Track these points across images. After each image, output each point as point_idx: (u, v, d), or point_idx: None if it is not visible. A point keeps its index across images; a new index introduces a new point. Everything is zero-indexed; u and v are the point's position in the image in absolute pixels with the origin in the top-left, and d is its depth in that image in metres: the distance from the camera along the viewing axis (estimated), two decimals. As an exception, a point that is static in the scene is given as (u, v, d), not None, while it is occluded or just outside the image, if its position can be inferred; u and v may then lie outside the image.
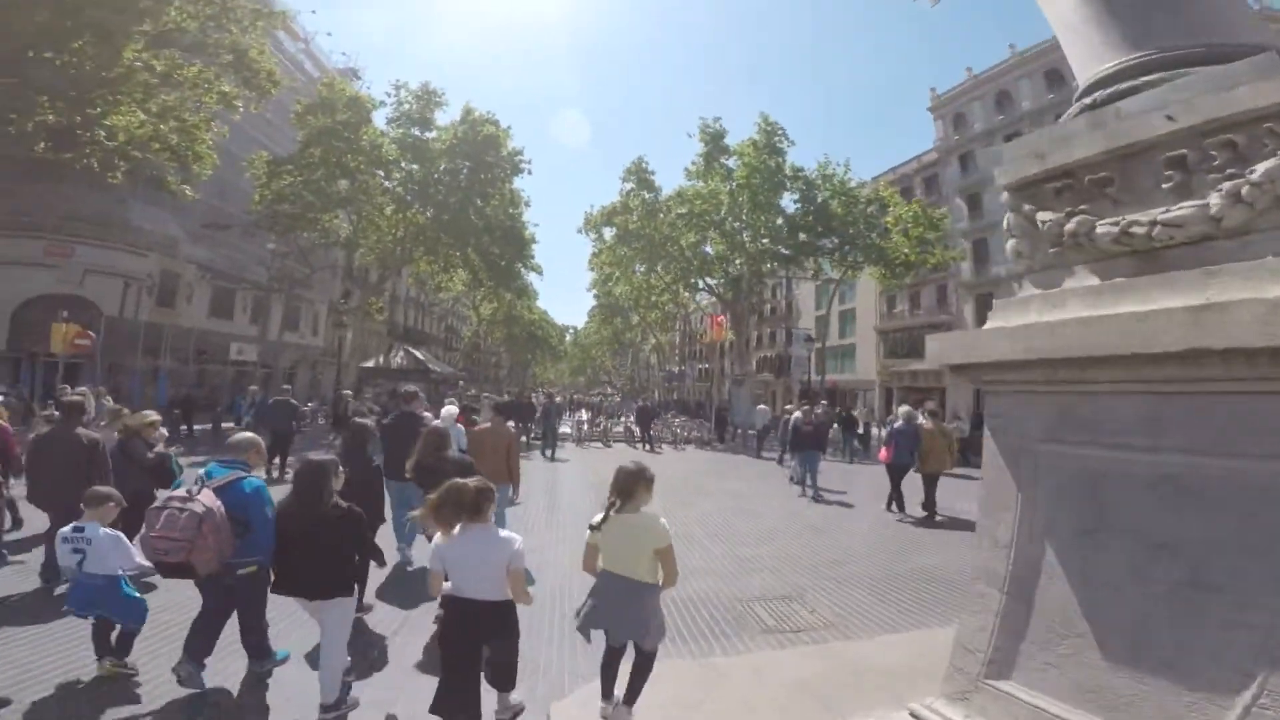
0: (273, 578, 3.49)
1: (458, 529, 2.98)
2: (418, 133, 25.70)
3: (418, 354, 28.29)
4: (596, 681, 3.36)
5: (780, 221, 25.57)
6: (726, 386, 27.35)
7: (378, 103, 25.19)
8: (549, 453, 16.86)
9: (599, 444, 21.24)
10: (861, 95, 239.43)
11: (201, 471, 3.65)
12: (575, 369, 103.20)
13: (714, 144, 25.92)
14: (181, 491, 3.40)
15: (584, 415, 30.08)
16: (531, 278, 46.82)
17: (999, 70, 37.66)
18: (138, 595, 3.75)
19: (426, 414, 7.06)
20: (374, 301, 29.79)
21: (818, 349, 32.31)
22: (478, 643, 3.01)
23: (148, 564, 3.51)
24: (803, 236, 24.86)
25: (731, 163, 25.94)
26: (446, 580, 3.02)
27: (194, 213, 26.50)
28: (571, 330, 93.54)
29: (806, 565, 6.93)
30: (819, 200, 24.41)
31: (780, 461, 16.11)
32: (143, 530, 3.37)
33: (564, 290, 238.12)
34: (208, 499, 3.35)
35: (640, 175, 27.49)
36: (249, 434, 4.09)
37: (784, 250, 25.41)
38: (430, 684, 3.16)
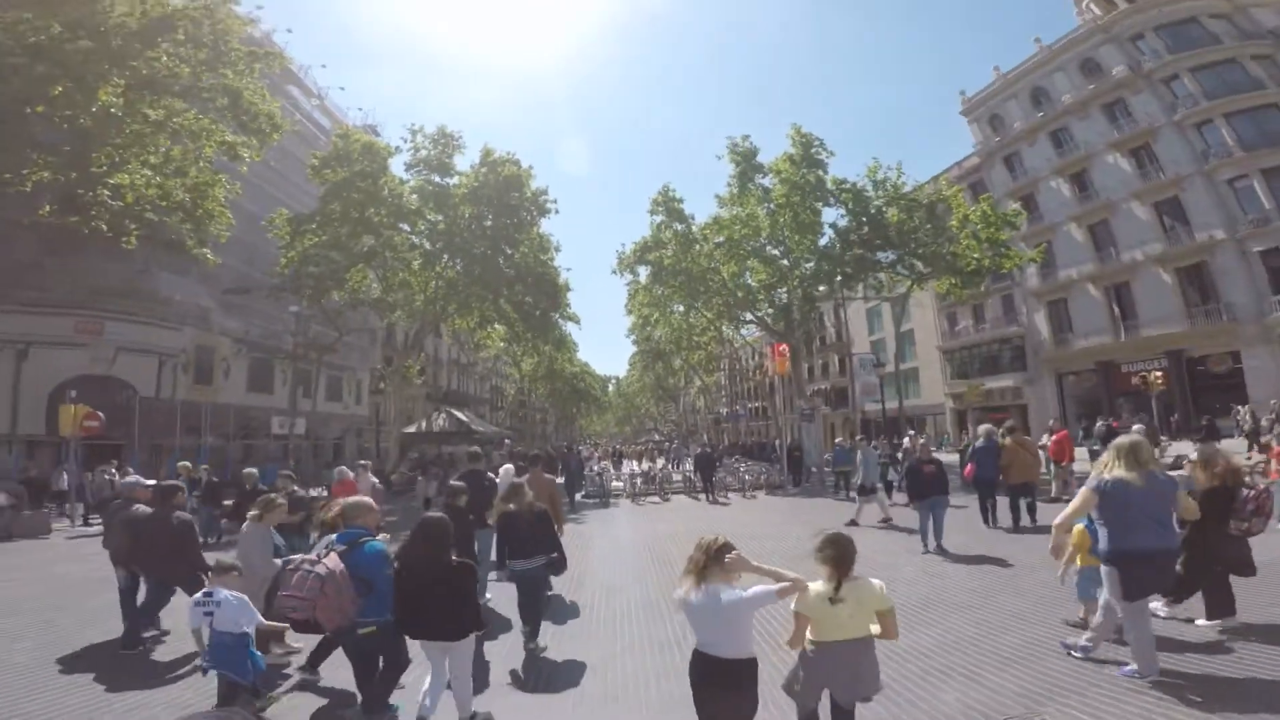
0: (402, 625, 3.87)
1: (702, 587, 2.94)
2: (438, 179, 24.95)
3: (460, 415, 26.90)
4: None
5: (831, 238, 23.57)
6: (793, 423, 24.88)
7: (394, 149, 24.56)
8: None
9: (655, 498, 19.07)
10: (879, 109, 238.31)
11: (331, 537, 4.13)
12: (620, 419, 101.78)
13: (746, 163, 24.30)
14: (313, 555, 3.86)
15: (636, 467, 27.90)
16: (570, 328, 45.99)
17: (1029, 66, 35.76)
18: (259, 654, 4.14)
19: (489, 472, 8.21)
20: (411, 365, 28.80)
21: (881, 374, 29.89)
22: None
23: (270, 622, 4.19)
24: (858, 251, 22.65)
25: (768, 182, 24.28)
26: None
27: (222, 280, 26.15)
28: (614, 380, 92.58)
29: (995, 654, 4.81)
30: (872, 210, 22.28)
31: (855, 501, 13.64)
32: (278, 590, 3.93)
33: (602, 340, 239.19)
34: (332, 562, 3.69)
35: (669, 205, 25.99)
36: (364, 498, 4.58)
37: (837, 269, 23.18)
38: (521, 699, 4.43)
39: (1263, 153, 26.18)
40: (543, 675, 4.96)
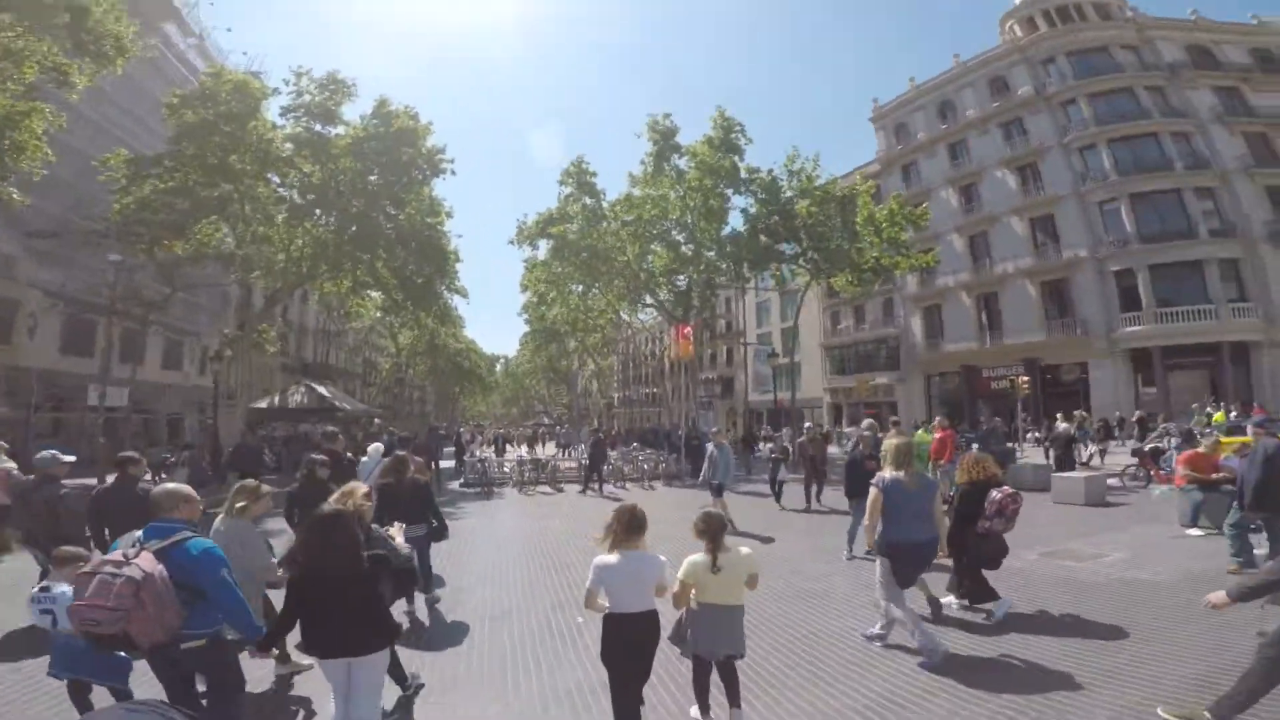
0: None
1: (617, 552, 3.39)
2: (319, 128, 21.64)
3: (322, 390, 23.80)
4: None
5: (740, 227, 23.00)
6: (687, 410, 24.21)
7: (271, 90, 20.95)
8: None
9: (546, 487, 17.63)
10: (799, 111, 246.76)
11: (136, 534, 3.28)
12: (508, 400, 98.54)
13: (665, 142, 23.14)
14: (117, 555, 3.03)
15: (523, 452, 25.97)
16: (457, 303, 42.84)
17: (942, 79, 37.32)
18: (122, 653, 3.39)
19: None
20: (265, 330, 25.03)
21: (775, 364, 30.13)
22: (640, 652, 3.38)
23: None
24: (765, 240, 22.22)
25: (683, 164, 23.26)
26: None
27: (40, 227, 21.51)
28: (502, 360, 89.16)
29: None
30: (783, 200, 21.83)
31: (777, 498, 13.14)
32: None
33: (493, 317, 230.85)
34: (147, 563, 2.96)
35: (581, 178, 24.38)
36: (174, 485, 3.56)
37: (743, 256, 22.64)
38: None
39: (1134, 178, 28.55)
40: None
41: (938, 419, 13.28)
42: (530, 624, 5.81)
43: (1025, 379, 25.49)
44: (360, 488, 4.08)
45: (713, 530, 3.56)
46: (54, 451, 6.27)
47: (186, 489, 3.52)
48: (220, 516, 4.29)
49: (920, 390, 37.48)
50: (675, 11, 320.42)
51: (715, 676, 3.72)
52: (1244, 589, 3.45)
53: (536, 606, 6.37)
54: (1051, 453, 16.64)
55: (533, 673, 4.72)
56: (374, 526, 4.14)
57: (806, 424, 13.19)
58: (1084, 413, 26.64)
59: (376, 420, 27.87)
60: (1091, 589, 6.48)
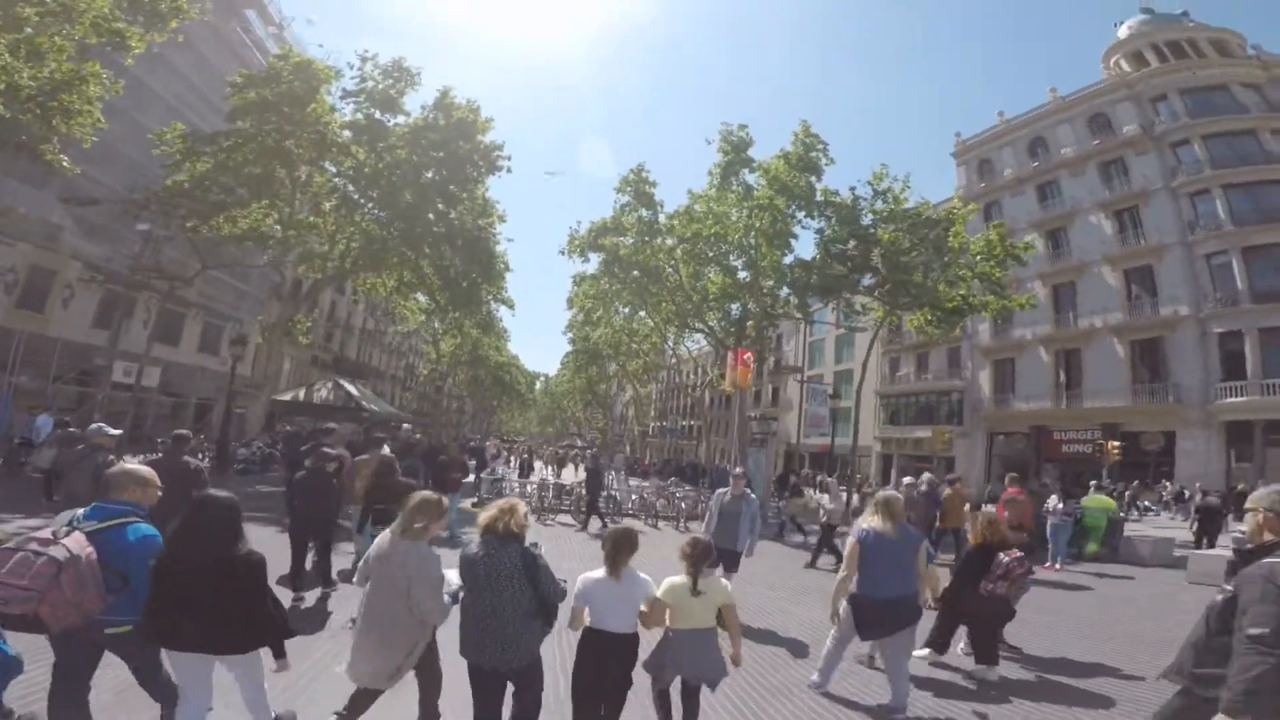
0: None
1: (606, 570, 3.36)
2: (379, 115, 20.98)
3: (350, 388, 22.73)
4: None
5: (809, 252, 21.02)
6: (721, 446, 22.13)
7: (335, 72, 20.38)
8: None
9: (568, 517, 15.49)
10: (871, 140, 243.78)
11: (76, 512, 3.16)
12: (544, 418, 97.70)
13: (736, 154, 21.45)
14: (45, 533, 2.94)
15: (549, 474, 24.33)
16: (503, 316, 41.92)
17: (1035, 115, 34.91)
18: (6, 648, 2.93)
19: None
20: (301, 320, 24.22)
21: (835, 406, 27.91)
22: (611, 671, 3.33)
23: None
24: (839, 268, 20.09)
25: (753, 179, 21.58)
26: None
27: (99, 205, 21.35)
28: (543, 378, 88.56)
29: None
30: (862, 225, 19.73)
31: (813, 563, 11.21)
32: None
33: (538, 336, 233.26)
34: (75, 544, 2.88)
35: (639, 187, 22.94)
36: (132, 466, 3.59)
37: (808, 283, 20.56)
38: None
39: (1252, 229, 25.49)
40: None
41: (1008, 477, 11.69)
42: None
43: (1115, 444, 22.68)
44: (520, 506, 3.51)
45: (698, 555, 3.57)
46: (102, 424, 6.95)
47: (143, 471, 3.43)
48: (390, 537, 3.43)
49: (982, 448, 34.52)
50: (749, 26, 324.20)
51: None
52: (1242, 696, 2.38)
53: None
54: (1194, 525, 14.61)
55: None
56: (530, 548, 3.39)
57: (907, 480, 10.94)
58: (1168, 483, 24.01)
59: (405, 425, 26.70)
60: None
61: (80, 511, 3.16)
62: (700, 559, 3.54)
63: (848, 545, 4.75)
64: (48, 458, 9.35)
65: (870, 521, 4.70)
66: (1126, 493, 22.55)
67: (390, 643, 3.18)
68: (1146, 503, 24.32)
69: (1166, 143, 28.97)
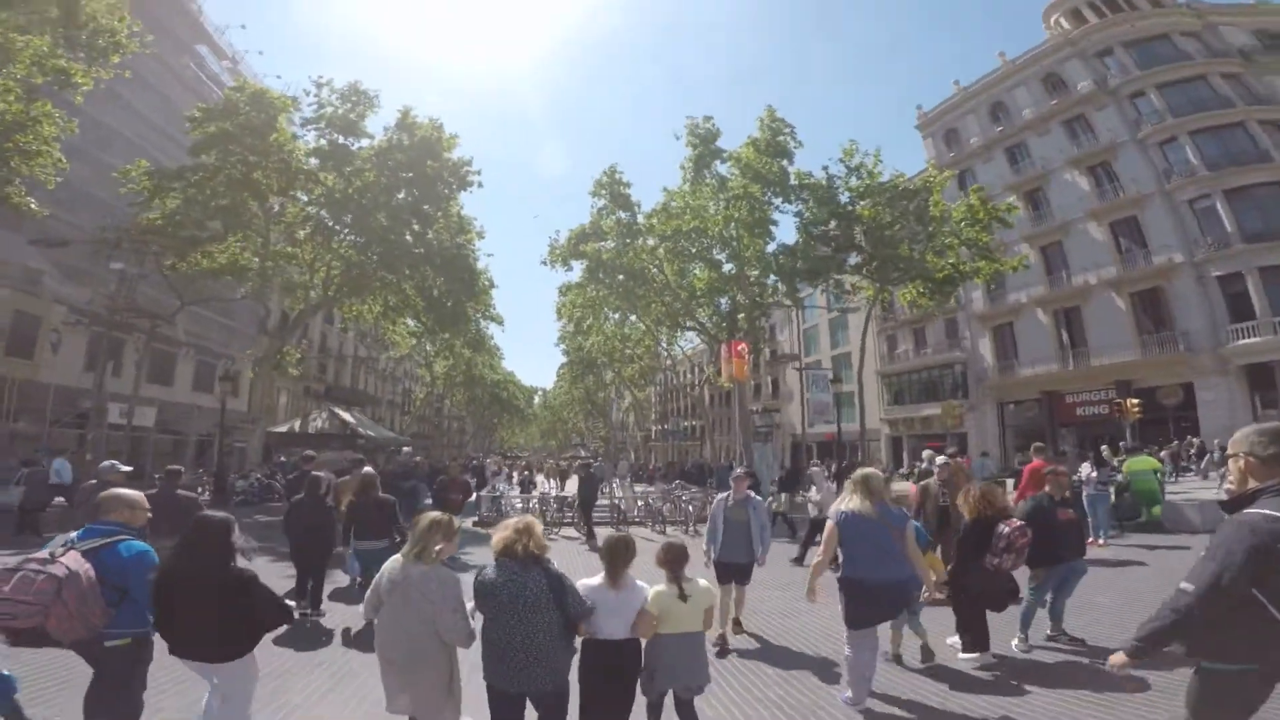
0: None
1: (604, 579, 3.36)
2: (342, 140, 20.81)
3: (346, 416, 22.49)
4: None
5: (791, 236, 20.87)
6: (726, 444, 21.82)
7: (291, 100, 20.27)
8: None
9: (573, 530, 14.94)
10: (835, 122, 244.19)
11: (70, 535, 3.32)
12: (545, 432, 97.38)
13: (705, 147, 21.33)
14: (43, 553, 3.11)
15: (549, 486, 23.35)
16: (495, 335, 41.65)
17: (991, 80, 34.98)
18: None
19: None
20: (290, 352, 23.95)
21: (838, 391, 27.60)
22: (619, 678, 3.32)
23: None
24: (823, 249, 19.81)
25: (725, 170, 21.39)
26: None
27: (71, 245, 21.23)
28: (540, 392, 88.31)
29: None
30: (840, 203, 19.50)
31: (801, 559, 10.10)
32: None
33: (532, 351, 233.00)
34: (73, 561, 3.06)
35: (614, 189, 22.77)
36: (120, 490, 3.68)
37: (794, 267, 20.26)
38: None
39: (1227, 172, 25.45)
40: None
41: (1034, 447, 10.58)
42: None
43: (1135, 401, 22.16)
44: (537, 525, 3.46)
45: (675, 559, 3.57)
46: (114, 462, 6.99)
47: (132, 494, 3.62)
48: (403, 563, 3.30)
49: (993, 419, 33.94)
50: (692, 20, 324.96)
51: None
52: (1138, 643, 2.42)
53: None
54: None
55: None
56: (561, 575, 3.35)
57: (926, 452, 10.21)
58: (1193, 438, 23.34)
59: (406, 449, 26.48)
60: None
61: (73, 534, 3.32)
62: (677, 563, 3.53)
63: (825, 528, 4.50)
64: (16, 496, 9.58)
65: (849, 503, 4.42)
66: (1163, 452, 20.55)
67: (417, 670, 3.13)
68: (1192, 461, 22.40)
69: (1123, 95, 29.09)
